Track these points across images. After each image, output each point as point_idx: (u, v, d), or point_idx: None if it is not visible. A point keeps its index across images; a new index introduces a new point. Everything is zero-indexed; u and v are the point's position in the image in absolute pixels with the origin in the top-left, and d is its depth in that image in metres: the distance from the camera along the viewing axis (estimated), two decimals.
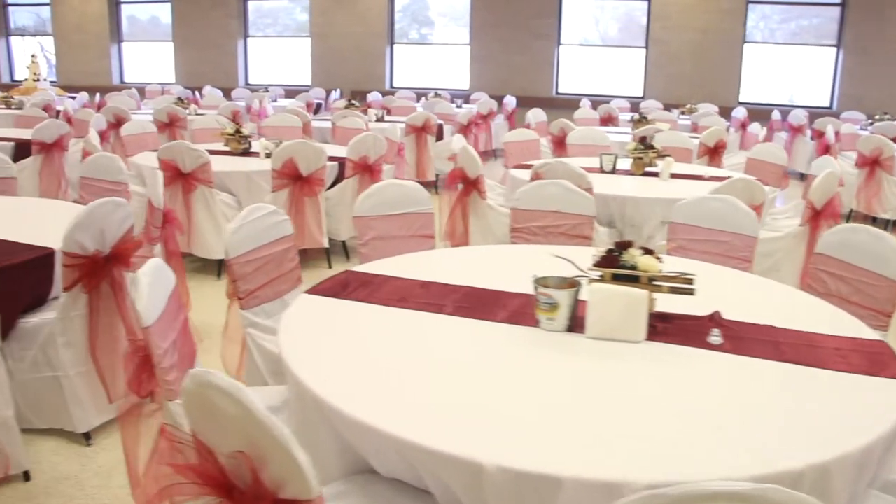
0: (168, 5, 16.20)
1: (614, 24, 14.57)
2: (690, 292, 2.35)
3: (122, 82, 16.85)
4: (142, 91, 13.88)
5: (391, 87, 14.90)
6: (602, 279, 2.37)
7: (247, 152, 6.30)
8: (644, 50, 13.87)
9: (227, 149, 6.31)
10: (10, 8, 17.79)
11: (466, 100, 13.28)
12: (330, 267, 5.79)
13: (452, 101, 11.92)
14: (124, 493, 2.88)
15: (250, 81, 15.99)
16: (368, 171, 5.85)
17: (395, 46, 15.07)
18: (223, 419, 1.41)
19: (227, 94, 13.28)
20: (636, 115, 9.28)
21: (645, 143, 5.78)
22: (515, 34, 14.16)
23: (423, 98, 12.50)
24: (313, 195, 5.45)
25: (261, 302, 2.89)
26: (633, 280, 2.34)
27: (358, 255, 3.54)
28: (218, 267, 5.45)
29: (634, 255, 2.38)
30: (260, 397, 2.34)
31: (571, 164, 4.68)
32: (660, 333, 2.30)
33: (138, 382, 2.12)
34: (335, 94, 13.09)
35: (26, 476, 2.92)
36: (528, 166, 5.79)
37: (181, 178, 5.20)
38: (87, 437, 3.19)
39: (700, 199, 3.73)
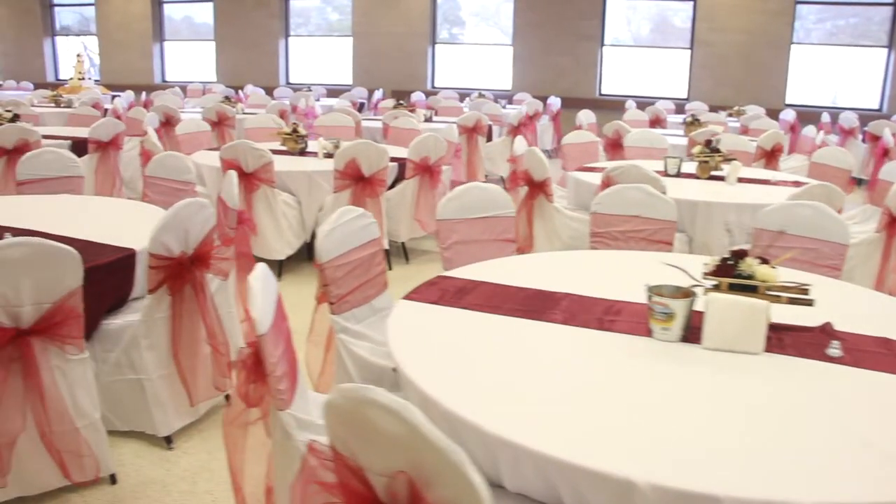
0: (210, 5, 16.26)
1: (657, 25, 14.42)
2: (809, 303, 2.27)
3: (164, 81, 16.94)
4: (183, 90, 13.93)
5: (432, 86, 14.84)
6: (717, 288, 2.30)
7: (303, 152, 6.26)
8: (689, 51, 13.71)
9: (283, 148, 6.27)
10: (56, 8, 17.94)
11: (510, 100, 13.19)
12: (390, 269, 5.73)
13: (496, 102, 11.83)
14: (211, 499, 2.84)
15: (291, 81, 16.01)
16: (429, 172, 5.79)
17: (436, 46, 15.02)
18: (382, 438, 1.34)
19: (268, 92, 13.29)
20: (688, 118, 9.14)
21: (710, 146, 5.67)
22: (559, 35, 14.06)
23: (467, 98, 12.44)
24: (375, 196, 5.40)
25: (351, 307, 2.83)
26: (750, 290, 2.26)
27: (441, 259, 3.47)
28: (278, 268, 5.41)
29: (752, 265, 2.30)
30: None
31: (645, 168, 4.59)
32: (776, 345, 2.22)
33: (248, 391, 2.06)
34: (378, 94, 13.06)
35: (112, 479, 2.88)
36: (589, 169, 5.71)
37: (243, 177, 5.15)
38: (168, 441, 3.15)
39: (787, 205, 3.64)
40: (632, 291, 2.54)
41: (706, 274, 2.34)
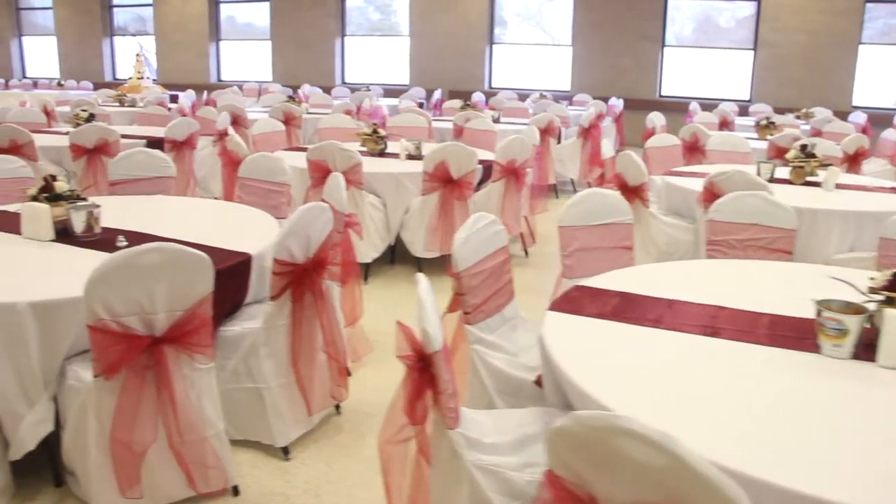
0: (266, 4, 16.28)
1: (719, 25, 14.16)
2: None
3: (219, 80, 17.00)
4: (240, 89, 13.94)
5: (489, 87, 14.72)
6: (891, 304, 2.16)
7: (383, 153, 6.17)
8: (751, 52, 13.45)
9: (362, 149, 6.19)
10: (114, 9, 18.11)
11: (570, 101, 13.03)
12: None
13: (558, 103, 11.68)
14: None
15: (346, 80, 15.99)
16: (514, 174, 5.68)
17: (494, 46, 14.90)
18: (633, 468, 1.23)
19: (325, 92, 13.25)
20: (762, 121, 8.93)
21: (806, 151, 5.49)
22: (619, 35, 13.87)
23: (528, 99, 12.30)
24: (463, 199, 5.30)
25: (486, 316, 2.73)
26: None
27: (563, 267, 3.35)
28: (364, 271, 5.33)
29: None
30: (507, 423, 2.19)
31: (751, 174, 4.43)
32: None
33: (415, 408, 1.96)
34: (437, 94, 12.96)
35: (235, 491, 2.80)
36: (678, 173, 5.57)
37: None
38: (285, 452, 3.07)
39: None
40: (784, 304, 2.45)
41: (874, 289, 2.22)
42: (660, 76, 13.92)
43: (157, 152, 4.81)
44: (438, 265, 5.62)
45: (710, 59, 14.01)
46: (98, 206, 3.35)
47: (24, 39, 19.31)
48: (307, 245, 2.97)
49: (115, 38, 18.27)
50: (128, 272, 2.33)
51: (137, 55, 15.19)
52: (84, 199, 3.48)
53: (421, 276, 2.04)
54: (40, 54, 19.20)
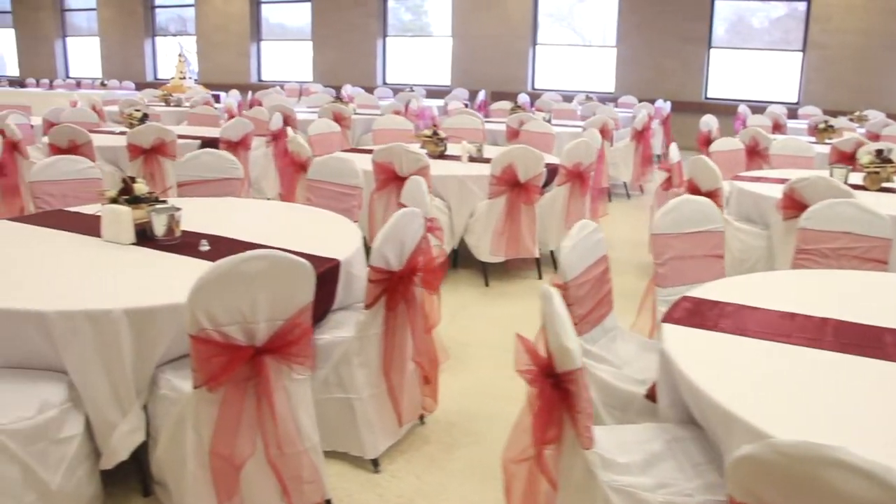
0: (308, 5, 16.27)
1: (766, 26, 13.96)
2: None
3: (260, 80, 17.01)
4: (281, 89, 13.93)
5: (532, 88, 14.60)
6: None
7: (443, 155, 6.08)
8: (800, 53, 13.24)
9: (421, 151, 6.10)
10: (156, 10, 18.20)
11: (615, 103, 12.88)
12: (540, 278, 5.52)
13: (604, 105, 11.54)
14: None
15: (387, 81, 15.93)
16: (579, 178, 5.57)
17: (537, 48, 14.78)
18: (838, 500, 1.13)
19: (368, 92, 13.19)
20: (820, 124, 8.74)
21: (882, 156, 5.33)
22: (664, 37, 13.70)
23: (574, 101, 12.16)
24: (530, 203, 5.20)
25: (591, 327, 2.63)
26: None
27: (657, 276, 3.24)
28: None
29: None
30: (626, 440, 2.09)
31: (833, 180, 4.30)
32: None
33: (546, 428, 1.87)
34: (481, 95, 12.87)
35: None
36: (746, 178, 5.43)
37: (397, 181, 5.00)
38: (374, 464, 2.98)
39: None
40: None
41: None
42: (706, 78, 13.74)
43: (224, 153, 4.74)
44: (502, 270, 5.53)
45: (747, 61, 13.83)
46: (179, 210, 3.28)
47: (68, 40, 19.47)
48: (401, 252, 2.88)
49: (157, 39, 18.35)
50: (232, 280, 2.26)
51: (180, 55, 15.22)
52: (163, 202, 3.42)
53: (552, 291, 1.95)
54: (82, 55, 19.35)
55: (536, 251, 5.38)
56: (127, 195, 3.36)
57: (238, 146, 6.88)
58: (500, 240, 5.21)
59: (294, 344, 2.39)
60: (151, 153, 6.36)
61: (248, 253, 2.28)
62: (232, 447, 2.38)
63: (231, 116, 9.34)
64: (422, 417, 3.32)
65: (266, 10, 17.13)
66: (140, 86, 16.26)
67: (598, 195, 5.93)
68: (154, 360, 2.56)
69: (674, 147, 5.53)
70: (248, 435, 2.40)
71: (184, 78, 14.97)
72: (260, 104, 10.84)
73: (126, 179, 3.43)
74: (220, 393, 2.34)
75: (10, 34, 19.90)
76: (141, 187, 3.41)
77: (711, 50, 13.72)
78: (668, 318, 2.37)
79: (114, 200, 3.36)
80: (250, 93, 12.25)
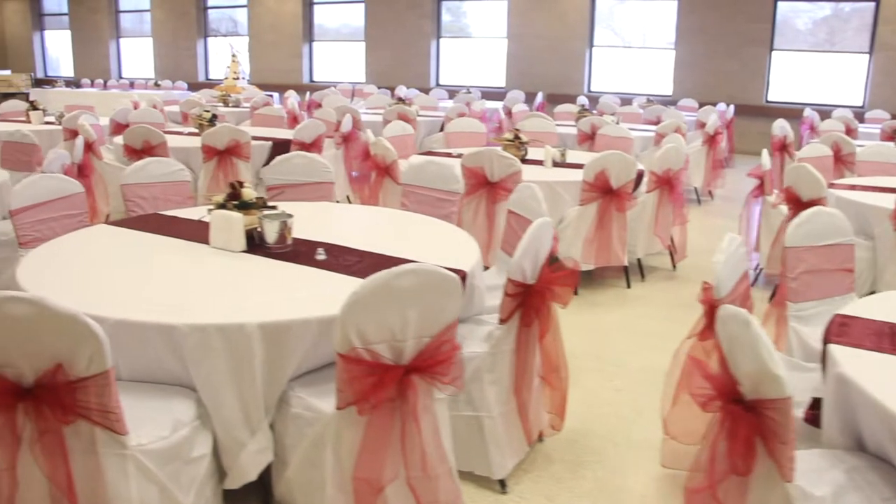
0: (361, 6, 16.22)
1: (830, 27, 13.65)
2: None
3: (311, 81, 16.98)
4: (334, 89, 13.87)
5: (588, 90, 14.41)
6: None
7: (524, 160, 5.92)
8: (867, 55, 12.92)
9: None
10: (208, 11, 18.26)
11: (675, 106, 12.65)
12: (628, 286, 5.36)
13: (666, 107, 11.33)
14: None
15: (440, 82, 15.83)
16: (669, 185, 5.40)
17: (594, 49, 14.59)
18: None
19: (424, 94, 13.08)
20: None
21: None
22: (725, 39, 13.45)
23: (635, 103, 11.95)
24: (622, 210, 5.04)
25: None
26: None
27: (788, 290, 3.08)
28: None
29: None
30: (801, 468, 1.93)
31: None
32: None
33: (742, 458, 1.72)
34: (539, 97, 12.71)
35: None
36: (841, 186, 5.24)
37: (486, 186, 4.87)
38: (502, 485, 2.84)
39: None
40: None
41: None
42: (767, 81, 13.47)
43: (315, 156, 4.65)
44: (589, 278, 5.38)
45: (804, 63, 13.57)
46: (290, 216, 3.17)
47: (120, 41, 19.61)
48: (535, 264, 2.74)
49: (208, 39, 18.41)
50: (385, 295, 2.13)
51: (234, 56, 15.22)
52: (272, 207, 3.31)
53: (746, 314, 1.80)
54: (134, 55, 19.49)
55: (626, 259, 5.21)
56: (235, 200, 3.26)
57: (311, 148, 6.79)
58: (591, 247, 5.05)
59: (443, 362, 2.26)
60: (225, 154, 6.28)
61: (401, 267, 2.15)
62: (376, 470, 2.25)
63: (293, 117, 9.28)
64: (540, 435, 3.17)
65: (322, 11, 17.10)
66: (192, 86, 16.31)
67: (682, 202, 5.74)
68: (285, 377, 2.44)
69: (765, 154, 5.34)
70: (393, 457, 2.27)
71: (237, 78, 14.97)
72: (319, 105, 10.78)
73: (234, 184, 3.32)
74: (366, 414, 2.22)
75: (66, 36, 20.11)
76: (249, 192, 3.30)
77: (773, 52, 13.43)
78: (833, 338, 2.22)
79: (221, 206, 3.26)
80: (308, 93, 12.18)
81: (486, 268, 3.63)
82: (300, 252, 3.08)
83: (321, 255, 3.00)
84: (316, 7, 16.96)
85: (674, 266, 5.85)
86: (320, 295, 2.62)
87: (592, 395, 3.69)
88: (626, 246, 5.18)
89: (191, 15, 17.92)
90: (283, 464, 2.49)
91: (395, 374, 2.18)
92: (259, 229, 3.17)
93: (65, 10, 19.92)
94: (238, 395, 2.39)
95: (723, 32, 13.43)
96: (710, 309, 2.45)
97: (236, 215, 3.14)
